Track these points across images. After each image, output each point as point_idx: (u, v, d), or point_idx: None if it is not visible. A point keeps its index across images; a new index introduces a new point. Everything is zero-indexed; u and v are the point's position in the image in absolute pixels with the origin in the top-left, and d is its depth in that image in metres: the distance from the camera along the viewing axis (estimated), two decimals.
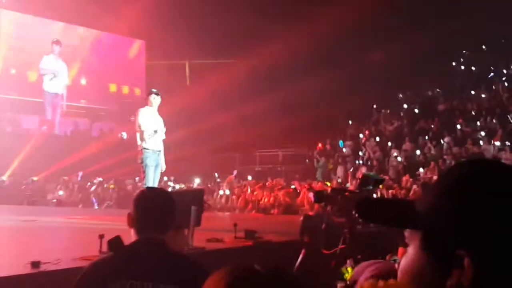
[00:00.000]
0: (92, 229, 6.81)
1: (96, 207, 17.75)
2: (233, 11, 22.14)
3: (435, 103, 22.17)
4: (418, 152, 17.98)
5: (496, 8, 21.93)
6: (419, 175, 15.69)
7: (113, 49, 24.72)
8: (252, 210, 15.22)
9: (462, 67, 24.67)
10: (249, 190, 16.72)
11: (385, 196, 12.61)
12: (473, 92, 21.86)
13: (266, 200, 15.35)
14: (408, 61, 22.28)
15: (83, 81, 23.53)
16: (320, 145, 21.15)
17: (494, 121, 18.53)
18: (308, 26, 20.10)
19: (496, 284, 0.89)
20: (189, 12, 21.90)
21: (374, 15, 21.51)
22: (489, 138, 17.31)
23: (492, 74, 22.28)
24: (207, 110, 21.79)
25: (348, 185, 14.81)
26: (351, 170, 17.21)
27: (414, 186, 13.55)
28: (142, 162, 8.37)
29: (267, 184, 16.83)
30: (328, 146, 21.25)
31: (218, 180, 19.38)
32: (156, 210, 2.52)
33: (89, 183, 19.77)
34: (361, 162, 19.06)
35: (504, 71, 22.53)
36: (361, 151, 20.13)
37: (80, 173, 20.03)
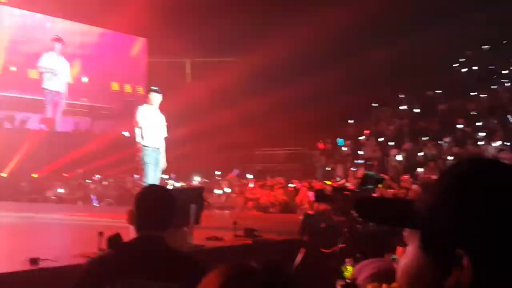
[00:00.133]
0: (92, 226, 6.81)
1: (96, 205, 17.74)
2: (234, 10, 22.12)
3: (435, 103, 22.16)
4: (418, 151, 17.98)
5: (498, 8, 21.92)
6: (418, 175, 15.68)
7: (115, 47, 24.54)
8: (252, 209, 15.23)
9: (463, 67, 24.64)
10: (248, 189, 16.73)
11: (385, 196, 12.62)
12: (473, 93, 21.85)
13: (266, 198, 15.36)
14: (408, 61, 22.26)
15: (84, 79, 23.36)
16: (320, 144, 21.15)
17: (494, 121, 18.53)
18: (309, 25, 20.07)
19: (495, 283, 0.88)
20: (190, 10, 21.89)
21: (375, 13, 21.48)
22: (489, 138, 17.31)
23: (494, 75, 22.24)
24: (208, 108, 21.78)
25: (347, 184, 14.81)
26: (351, 169, 17.22)
27: (414, 186, 13.55)
28: (141, 160, 8.36)
29: (267, 182, 16.83)
30: (328, 145, 21.25)
31: (219, 178, 19.39)
32: (157, 208, 2.52)
33: (88, 181, 19.77)
34: (361, 161, 19.06)
35: (505, 71, 22.51)
36: (361, 150, 20.13)
37: (80, 171, 20.02)
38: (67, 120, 21.99)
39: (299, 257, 4.12)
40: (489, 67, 22.80)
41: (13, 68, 21.32)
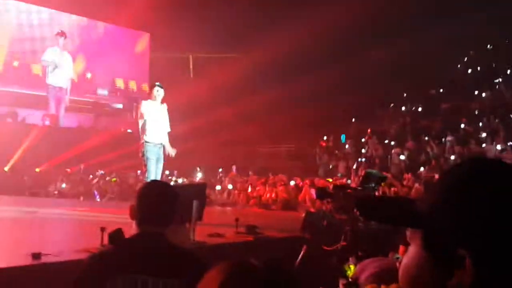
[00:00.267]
0: (94, 222, 6.83)
1: (98, 200, 17.77)
2: (238, 6, 22.11)
3: (438, 102, 22.12)
4: (420, 150, 17.97)
5: (500, 8, 21.86)
6: (421, 173, 15.67)
7: (120, 43, 24.32)
8: (253, 206, 15.24)
9: (466, 67, 24.60)
10: (250, 186, 16.74)
11: (387, 194, 12.61)
12: (476, 92, 21.81)
13: (268, 195, 15.37)
14: (411, 60, 22.23)
15: (88, 75, 23.26)
16: (323, 141, 21.15)
17: (496, 120, 18.50)
18: (312, 22, 20.04)
19: (497, 283, 0.89)
20: (193, 5, 21.86)
21: (378, 13, 21.45)
22: (492, 138, 17.29)
23: (496, 74, 22.19)
24: (210, 104, 21.77)
25: (349, 182, 14.81)
26: (353, 167, 17.22)
27: (416, 185, 13.54)
28: (143, 155, 8.38)
29: (269, 180, 16.84)
30: (330, 143, 21.24)
31: (221, 175, 19.40)
32: (159, 204, 2.52)
33: (91, 176, 19.79)
34: (363, 159, 19.05)
35: (508, 71, 22.46)
36: (364, 148, 20.13)
37: (82, 166, 20.02)
38: (71, 116, 21.93)
39: (301, 255, 4.12)
40: (492, 66, 22.74)
41: (16, 63, 21.25)
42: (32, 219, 8.81)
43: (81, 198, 17.77)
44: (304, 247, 4.26)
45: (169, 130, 8.68)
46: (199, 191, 6.08)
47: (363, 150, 20.00)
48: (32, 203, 12.16)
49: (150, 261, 2.34)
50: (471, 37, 23.15)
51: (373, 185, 4.15)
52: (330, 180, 15.51)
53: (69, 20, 22.90)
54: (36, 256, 4.24)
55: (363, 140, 20.97)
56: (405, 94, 23.88)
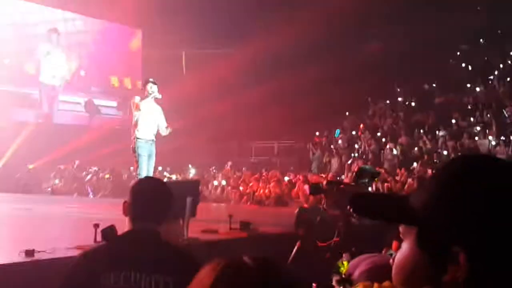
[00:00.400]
0: (87, 218, 6.81)
1: (91, 196, 17.75)
2: (229, 0, 22.06)
3: (431, 96, 22.18)
4: (413, 145, 18.02)
5: (494, 2, 21.94)
6: (414, 169, 15.72)
7: (115, 40, 24.00)
8: (247, 202, 15.25)
9: (459, 61, 24.65)
10: (243, 182, 16.75)
11: (380, 189, 12.65)
12: (469, 85, 21.87)
13: (261, 191, 15.39)
14: (405, 54, 22.27)
15: (82, 73, 22.89)
16: (316, 137, 21.17)
17: (489, 115, 18.56)
18: (306, 16, 20.02)
19: (491, 280, 0.89)
20: (185, 2, 21.76)
21: (371, 5, 21.46)
22: (485, 132, 17.35)
23: (490, 69, 22.25)
24: (203, 100, 21.74)
25: (343, 177, 14.84)
26: (348, 162, 17.26)
27: (409, 180, 13.58)
28: (134, 152, 8.37)
29: (262, 176, 16.85)
30: (324, 138, 21.27)
31: (214, 171, 19.40)
32: (152, 201, 2.51)
33: (84, 173, 19.76)
34: (356, 154, 19.09)
35: (501, 65, 22.54)
36: (357, 143, 20.16)
37: (76, 162, 19.98)
38: (64, 115, 21.72)
39: (294, 251, 4.13)
40: (486, 61, 22.82)
41: (6, 61, 20.83)
42: (25, 216, 8.79)
43: (75, 195, 17.75)
44: (298, 243, 4.27)
45: (165, 124, 8.59)
46: (193, 188, 6.08)
47: (356, 146, 20.03)
48: (26, 200, 12.13)
49: (143, 258, 2.34)
50: (465, 31, 23.21)
51: (366, 180, 4.15)
52: (324, 175, 15.55)
53: (62, 17, 22.58)
54: (30, 253, 4.23)
55: (354, 133, 21.01)
56: (398, 89, 23.92)
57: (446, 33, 22.43)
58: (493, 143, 16.52)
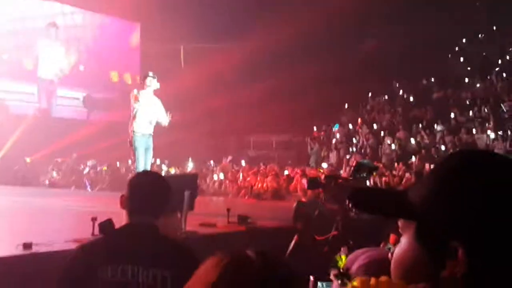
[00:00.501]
0: (85, 212, 6.81)
1: (89, 190, 17.74)
2: None
3: (430, 91, 22.18)
4: (411, 140, 18.03)
5: None
6: (412, 163, 15.74)
7: (115, 35, 23.69)
8: (245, 196, 15.26)
9: (458, 56, 24.65)
10: (241, 176, 16.75)
11: (378, 184, 12.67)
12: (467, 81, 21.87)
13: (259, 185, 15.39)
14: (403, 49, 22.26)
15: (81, 68, 22.62)
16: (314, 131, 21.17)
17: (486, 110, 18.57)
18: (305, 12, 20.00)
19: (489, 275, 0.89)
20: None
21: (370, 3, 21.43)
22: (483, 127, 17.37)
23: (488, 64, 22.25)
24: (202, 94, 21.72)
25: (341, 172, 14.85)
26: (347, 157, 17.26)
27: (407, 174, 13.59)
28: (131, 145, 8.37)
29: (260, 169, 16.85)
30: (322, 133, 21.27)
31: (212, 164, 19.40)
32: (150, 194, 2.51)
33: (82, 166, 19.75)
34: (354, 149, 19.10)
35: (500, 61, 22.54)
36: (355, 138, 20.17)
37: (74, 155, 19.95)
38: (63, 110, 21.57)
39: (292, 244, 4.14)
40: (484, 56, 22.81)
41: (5, 56, 20.60)
42: (23, 209, 8.79)
43: (72, 188, 17.73)
44: (296, 236, 4.28)
45: (166, 118, 8.57)
46: (191, 182, 6.08)
47: (354, 140, 20.04)
48: (23, 193, 12.13)
49: (140, 252, 2.34)
50: (464, 26, 23.19)
51: (364, 175, 4.16)
52: (322, 170, 15.56)
53: (61, 11, 22.35)
54: (27, 246, 4.23)
55: (352, 128, 21.02)
56: (397, 84, 23.92)
57: (445, 29, 22.41)
58: (491, 138, 16.54)
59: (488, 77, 21.64)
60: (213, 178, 17.29)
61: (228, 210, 6.51)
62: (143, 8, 21.30)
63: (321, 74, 20.98)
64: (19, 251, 4.14)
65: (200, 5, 22.13)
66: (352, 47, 21.68)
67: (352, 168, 4.46)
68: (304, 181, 12.20)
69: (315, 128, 21.53)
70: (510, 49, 22.84)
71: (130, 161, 16.43)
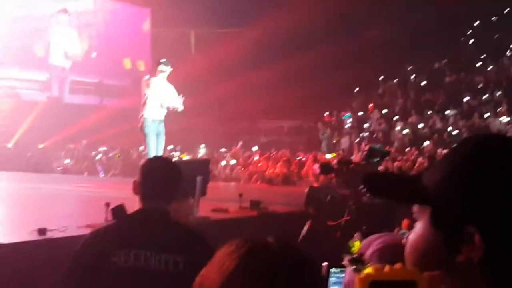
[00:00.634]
0: (98, 197, 6.85)
1: (102, 175, 17.86)
2: None
3: (442, 75, 21.99)
4: (423, 124, 17.93)
5: None
6: (424, 148, 15.67)
7: (127, 21, 23.45)
8: (257, 181, 15.28)
9: (470, 39, 24.36)
10: (253, 161, 16.78)
11: (390, 169, 12.63)
12: (479, 64, 21.65)
13: (271, 171, 15.40)
14: (416, 32, 22.04)
15: (93, 55, 22.43)
16: (326, 116, 21.10)
17: (499, 94, 18.40)
18: None
19: (506, 260, 0.88)
20: None
21: None
22: (496, 111, 17.23)
23: (502, 47, 21.96)
24: (213, 79, 21.68)
25: (353, 156, 14.81)
26: (356, 141, 17.22)
27: (420, 159, 13.53)
28: (142, 131, 8.41)
29: (272, 155, 16.86)
30: (333, 118, 21.21)
31: (224, 150, 19.43)
32: (161, 179, 2.52)
33: (94, 152, 19.86)
34: (366, 134, 19.04)
35: None
36: (367, 123, 20.09)
37: (84, 141, 20.04)
38: (75, 99, 21.49)
39: (305, 230, 4.14)
40: (497, 39, 22.52)
41: (17, 43, 20.49)
42: (36, 195, 8.85)
43: (85, 174, 17.85)
44: (308, 222, 4.28)
45: (179, 104, 8.56)
46: (203, 167, 6.08)
47: (366, 125, 19.96)
48: (36, 179, 12.22)
49: (153, 237, 2.35)
50: (476, 8, 22.88)
51: (376, 160, 4.14)
52: (334, 155, 15.53)
53: None
54: (42, 231, 4.27)
55: (367, 111, 20.91)
56: (409, 68, 23.72)
57: (457, 12, 22.13)
58: (504, 122, 16.40)
59: (501, 61, 21.40)
60: (226, 163, 17.32)
61: (240, 195, 6.52)
62: None
63: (332, 59, 20.86)
64: (34, 236, 4.17)
65: None
66: (363, 30, 21.47)
67: (364, 153, 4.44)
68: (316, 166, 12.19)
69: (326, 113, 21.45)
70: None
71: (141, 147, 16.49)
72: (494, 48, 22.04)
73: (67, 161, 19.35)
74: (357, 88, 23.25)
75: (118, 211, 3.22)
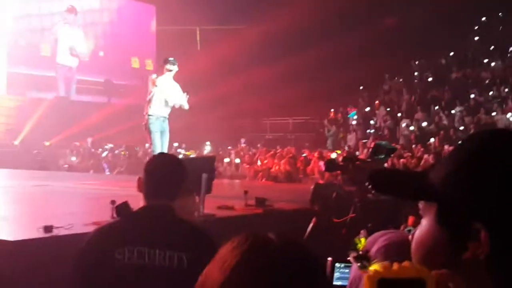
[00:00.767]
0: (104, 195, 6.86)
1: (108, 173, 17.89)
2: None
3: (448, 71, 21.91)
4: (429, 121, 17.87)
5: None
6: (430, 144, 15.62)
7: (134, 20, 23.29)
8: (262, 178, 15.28)
9: (477, 35, 24.24)
10: (258, 159, 16.77)
11: (396, 165, 12.60)
12: (486, 61, 21.55)
13: (276, 168, 15.39)
14: (421, 28, 21.96)
15: (101, 53, 22.30)
16: (331, 113, 21.07)
17: (506, 90, 18.32)
18: None
19: (509, 256, 0.87)
20: None
21: None
22: (502, 107, 17.15)
23: (507, 43, 21.85)
24: (218, 76, 21.68)
25: (358, 153, 14.79)
26: (363, 141, 17.18)
27: (426, 156, 13.50)
28: (146, 128, 8.44)
29: (277, 152, 16.85)
30: (339, 115, 21.17)
31: (229, 147, 19.44)
32: (165, 176, 2.51)
33: (100, 149, 19.91)
34: (372, 130, 19.00)
35: None
36: (372, 120, 20.04)
37: (90, 139, 20.09)
38: (83, 98, 21.42)
39: (310, 227, 4.14)
40: (504, 35, 22.40)
41: (22, 42, 20.41)
42: (43, 193, 8.88)
43: (91, 171, 17.89)
44: (314, 219, 4.27)
45: (185, 102, 8.60)
46: (208, 164, 6.09)
47: (371, 122, 19.92)
48: (43, 176, 12.25)
49: (157, 234, 2.35)
50: (484, 3, 22.77)
51: (382, 156, 4.12)
52: (339, 151, 15.51)
53: None
54: (48, 229, 4.28)
55: (370, 109, 20.86)
56: (415, 62, 23.62)
57: (464, 7, 22.02)
58: (511, 118, 16.33)
59: (508, 56, 21.30)
60: (229, 160, 17.32)
61: (246, 192, 6.52)
62: None
63: (337, 55, 20.81)
64: (40, 234, 4.18)
65: None
66: (369, 26, 21.41)
67: (370, 149, 4.42)
68: (322, 163, 12.18)
69: (332, 110, 21.41)
70: None
71: (147, 145, 16.51)
72: (501, 44, 21.93)
73: (73, 158, 19.41)
74: (363, 85, 23.19)
75: (122, 208, 3.23)
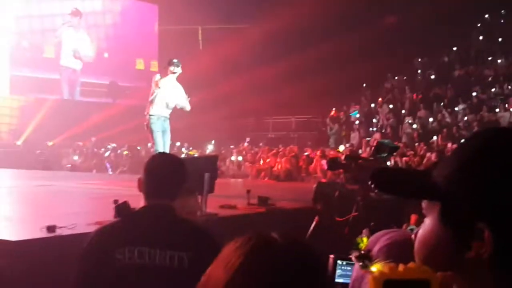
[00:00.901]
0: (107, 194, 6.87)
1: (110, 173, 17.91)
2: None
3: (451, 69, 21.87)
4: (432, 119, 17.84)
5: None
6: (433, 142, 15.59)
7: (138, 22, 23.14)
8: (265, 177, 15.27)
9: (480, 32, 24.19)
10: (261, 157, 16.76)
11: (399, 164, 12.58)
12: (489, 58, 21.50)
13: (279, 167, 15.38)
14: (423, 26, 21.92)
15: (106, 55, 22.16)
16: (333, 111, 21.05)
17: (509, 88, 18.28)
18: None
19: None
20: None
21: None
22: (505, 105, 17.11)
23: (510, 40, 21.80)
24: (221, 76, 21.68)
25: (360, 151, 14.77)
26: (366, 139, 17.16)
27: (428, 154, 13.47)
28: (148, 128, 8.46)
29: (279, 151, 16.84)
30: (341, 113, 21.15)
31: (232, 146, 19.44)
32: (166, 176, 2.50)
33: (103, 149, 19.94)
34: (374, 129, 18.97)
35: None
36: (375, 118, 20.02)
37: (93, 139, 20.11)
38: (86, 102, 21.34)
39: (312, 225, 4.13)
40: (507, 32, 22.34)
41: (25, 44, 20.26)
42: (45, 193, 8.89)
43: (94, 171, 17.92)
44: (316, 218, 4.27)
45: (188, 108, 8.63)
46: (211, 164, 6.09)
47: (374, 120, 19.89)
48: (46, 176, 12.27)
49: (157, 234, 2.34)
50: (485, 1, 22.72)
51: (385, 155, 4.11)
52: (341, 150, 15.49)
53: None
54: (51, 228, 4.28)
55: (373, 106, 20.83)
56: (418, 60, 23.58)
57: (466, 5, 21.97)
58: None
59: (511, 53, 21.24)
60: (232, 160, 17.33)
61: (248, 191, 6.52)
62: None
63: (339, 54, 20.79)
64: (43, 234, 4.19)
65: None
66: (372, 24, 21.38)
67: (373, 148, 4.41)
68: (324, 162, 12.17)
69: (334, 109, 21.39)
70: None
71: (149, 144, 16.52)
72: (504, 41, 21.88)
73: (76, 158, 19.44)
74: (366, 83, 23.16)
75: (122, 208, 3.22)
